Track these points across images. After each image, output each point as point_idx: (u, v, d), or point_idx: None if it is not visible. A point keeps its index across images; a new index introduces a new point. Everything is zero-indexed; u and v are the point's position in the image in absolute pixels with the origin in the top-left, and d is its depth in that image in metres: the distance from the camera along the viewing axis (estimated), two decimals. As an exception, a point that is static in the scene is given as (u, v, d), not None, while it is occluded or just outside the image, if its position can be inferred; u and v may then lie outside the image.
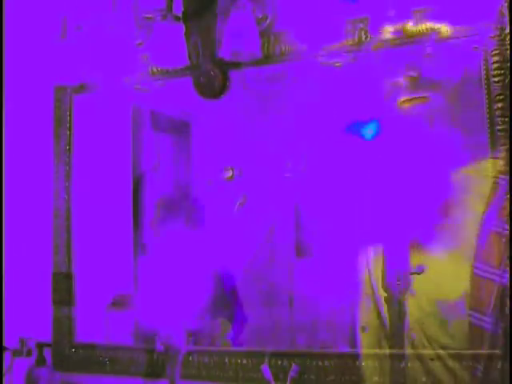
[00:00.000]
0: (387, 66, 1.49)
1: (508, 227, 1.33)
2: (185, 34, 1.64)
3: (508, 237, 1.32)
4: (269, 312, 1.63)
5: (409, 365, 1.39)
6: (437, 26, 1.42)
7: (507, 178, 1.34)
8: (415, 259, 1.42)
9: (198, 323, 1.57)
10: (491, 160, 1.37)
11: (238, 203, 1.64)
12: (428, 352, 1.40)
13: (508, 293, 1.31)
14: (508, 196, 1.34)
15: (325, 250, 1.54)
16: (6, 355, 1.73)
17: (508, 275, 1.31)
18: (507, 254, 1.32)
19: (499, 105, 1.38)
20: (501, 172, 1.36)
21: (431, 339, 1.40)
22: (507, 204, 1.34)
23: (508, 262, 1.32)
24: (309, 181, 1.56)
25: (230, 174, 1.66)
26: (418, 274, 1.39)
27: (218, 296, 1.64)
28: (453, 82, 1.45)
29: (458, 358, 1.36)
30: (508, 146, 1.36)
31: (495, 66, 1.39)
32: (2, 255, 1.82)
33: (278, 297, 1.63)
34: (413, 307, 1.41)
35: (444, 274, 1.41)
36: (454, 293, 1.39)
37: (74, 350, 1.79)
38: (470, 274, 1.37)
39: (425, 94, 1.47)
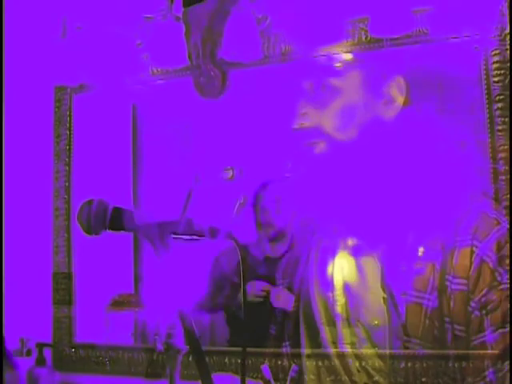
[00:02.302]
0: (387, 66, 1.50)
1: (508, 227, 1.34)
2: (185, 34, 1.64)
3: (508, 240, 1.32)
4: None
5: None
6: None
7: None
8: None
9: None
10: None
11: (238, 203, 1.64)
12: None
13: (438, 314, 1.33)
14: (508, 196, 1.34)
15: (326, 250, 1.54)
16: (6, 355, 1.73)
17: (508, 276, 1.31)
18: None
19: (499, 105, 1.38)
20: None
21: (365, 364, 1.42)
22: (507, 204, 1.34)
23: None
24: (311, 181, 1.56)
25: (230, 174, 1.66)
26: None
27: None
28: (453, 81, 1.45)
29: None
30: (508, 146, 1.36)
31: (495, 66, 1.39)
32: (2, 255, 1.82)
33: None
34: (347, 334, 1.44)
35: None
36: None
37: (73, 349, 1.80)
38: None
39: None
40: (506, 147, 1.37)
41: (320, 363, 1.48)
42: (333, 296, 1.48)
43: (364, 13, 1.48)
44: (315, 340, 1.50)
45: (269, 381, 1.43)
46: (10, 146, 1.90)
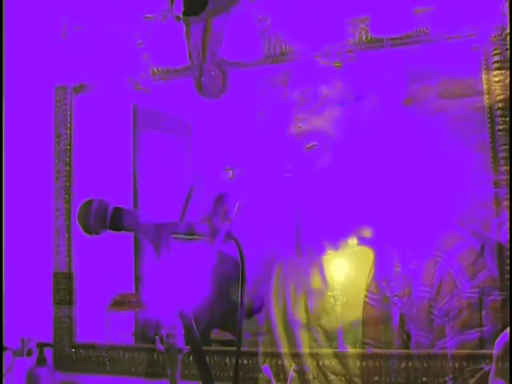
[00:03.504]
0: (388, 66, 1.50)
1: (508, 226, 1.34)
2: (185, 34, 1.64)
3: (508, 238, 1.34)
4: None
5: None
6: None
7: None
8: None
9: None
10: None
11: (237, 203, 1.64)
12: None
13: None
14: (508, 196, 1.35)
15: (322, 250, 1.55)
16: (7, 355, 1.73)
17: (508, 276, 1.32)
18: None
19: (499, 105, 1.38)
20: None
21: (324, 368, 1.46)
22: (507, 204, 1.34)
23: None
24: (310, 181, 1.56)
25: (230, 174, 1.66)
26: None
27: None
28: (453, 81, 1.45)
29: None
30: (508, 146, 1.36)
31: (495, 65, 1.39)
32: (2, 255, 1.82)
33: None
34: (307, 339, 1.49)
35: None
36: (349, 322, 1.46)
37: (74, 349, 1.80)
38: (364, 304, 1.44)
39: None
40: (506, 147, 1.36)
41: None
42: (333, 295, 1.49)
43: (364, 12, 1.48)
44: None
45: (270, 380, 1.43)
46: (10, 146, 1.90)
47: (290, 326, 1.53)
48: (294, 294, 1.55)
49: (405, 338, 1.40)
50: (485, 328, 1.31)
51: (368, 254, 1.47)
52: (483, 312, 1.32)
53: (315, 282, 1.53)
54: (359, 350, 1.44)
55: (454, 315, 1.34)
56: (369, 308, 1.43)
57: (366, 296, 1.44)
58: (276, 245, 1.64)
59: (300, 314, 1.53)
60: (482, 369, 1.31)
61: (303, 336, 1.51)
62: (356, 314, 1.45)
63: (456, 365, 1.35)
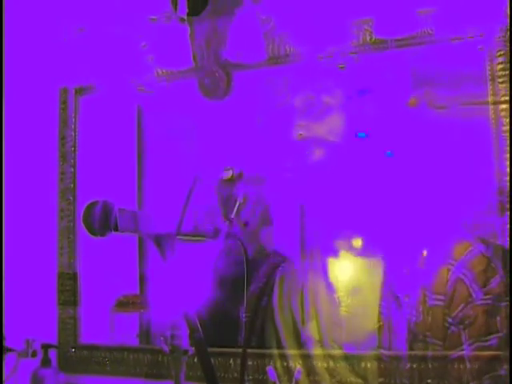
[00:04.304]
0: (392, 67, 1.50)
1: (508, 226, 1.34)
2: (189, 36, 1.64)
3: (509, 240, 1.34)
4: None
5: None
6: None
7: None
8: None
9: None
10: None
11: (237, 203, 1.63)
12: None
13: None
14: (508, 198, 1.34)
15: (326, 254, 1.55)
16: (12, 356, 1.73)
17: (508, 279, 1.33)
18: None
19: (503, 106, 1.38)
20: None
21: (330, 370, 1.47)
22: (508, 206, 1.34)
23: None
24: (314, 182, 1.56)
25: (230, 174, 1.66)
26: None
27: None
28: (457, 82, 1.45)
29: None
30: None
31: (500, 66, 1.39)
32: (3, 256, 1.82)
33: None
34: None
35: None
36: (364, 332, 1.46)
37: (78, 350, 1.80)
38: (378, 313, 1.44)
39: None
40: (510, 148, 1.36)
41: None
42: (338, 297, 1.49)
43: (368, 14, 1.48)
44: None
45: (274, 383, 1.43)
46: (15, 148, 1.91)
47: (302, 343, 1.53)
48: (302, 311, 1.54)
49: (421, 346, 1.39)
50: (501, 334, 1.31)
51: (374, 259, 1.47)
52: (498, 318, 1.32)
53: (323, 294, 1.52)
54: (367, 353, 1.44)
55: (470, 322, 1.33)
56: (384, 318, 1.42)
57: (379, 306, 1.43)
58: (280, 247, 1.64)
59: (312, 331, 1.52)
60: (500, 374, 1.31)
61: (317, 351, 1.51)
62: (369, 324, 1.44)
63: (461, 366, 1.35)
